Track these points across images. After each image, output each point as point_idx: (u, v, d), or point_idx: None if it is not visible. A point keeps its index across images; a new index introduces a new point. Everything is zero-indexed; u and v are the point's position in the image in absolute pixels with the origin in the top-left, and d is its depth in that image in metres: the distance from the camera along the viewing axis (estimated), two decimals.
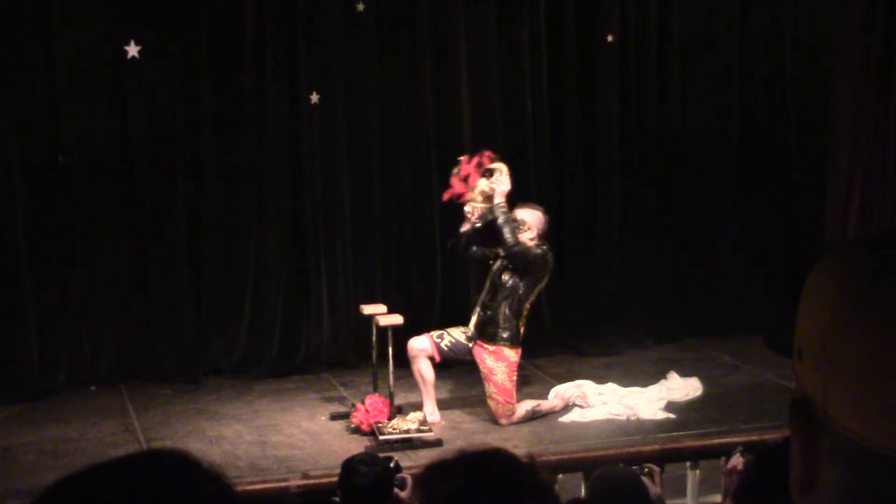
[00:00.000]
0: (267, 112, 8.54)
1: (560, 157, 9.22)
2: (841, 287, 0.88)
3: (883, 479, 0.84)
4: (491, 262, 7.47)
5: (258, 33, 8.47)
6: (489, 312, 7.34)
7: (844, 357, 0.85)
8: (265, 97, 8.53)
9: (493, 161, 7.36)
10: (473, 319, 7.42)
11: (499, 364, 7.31)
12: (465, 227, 7.46)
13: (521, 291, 7.34)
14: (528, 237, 7.33)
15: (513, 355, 7.36)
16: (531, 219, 7.41)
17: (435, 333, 7.45)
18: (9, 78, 7.95)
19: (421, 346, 7.35)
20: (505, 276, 7.33)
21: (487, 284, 7.44)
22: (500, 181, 7.27)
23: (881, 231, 0.91)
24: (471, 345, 7.39)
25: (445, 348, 7.38)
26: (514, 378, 7.39)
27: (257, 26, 8.46)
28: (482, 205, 7.35)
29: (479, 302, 7.45)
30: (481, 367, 7.37)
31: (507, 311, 7.32)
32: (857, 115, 8.08)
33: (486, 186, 7.31)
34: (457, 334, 7.43)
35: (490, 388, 7.33)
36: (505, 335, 7.33)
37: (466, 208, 7.41)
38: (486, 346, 7.35)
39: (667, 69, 9.34)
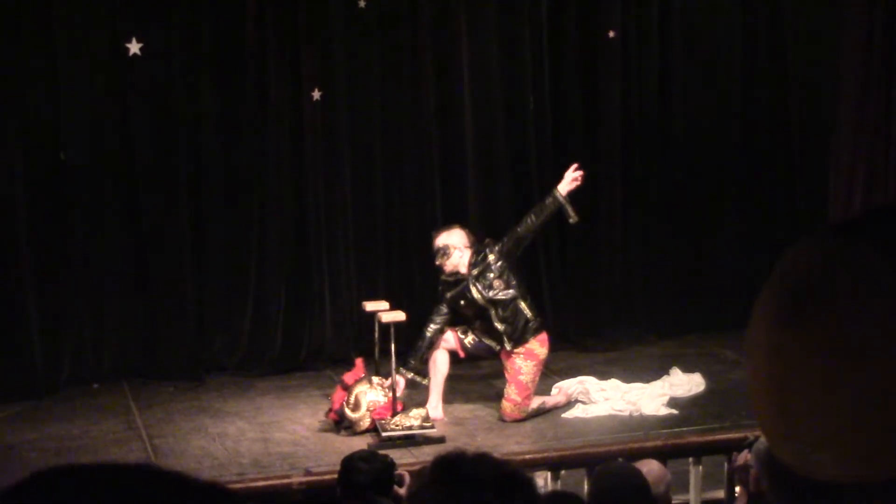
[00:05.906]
0: (269, 108, 8.54)
1: (562, 153, 9.21)
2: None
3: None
4: (479, 300, 7.24)
5: (260, 29, 8.47)
6: (515, 321, 7.24)
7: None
8: (267, 93, 8.52)
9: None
10: (504, 339, 7.24)
11: (527, 363, 7.26)
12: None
13: (516, 281, 7.29)
14: (458, 256, 7.28)
15: (542, 351, 7.31)
16: (452, 238, 7.34)
17: (459, 329, 7.41)
18: (10, 75, 7.94)
19: (443, 336, 7.34)
20: (498, 284, 7.24)
21: (485, 305, 7.24)
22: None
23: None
24: (498, 348, 7.35)
25: (469, 345, 7.37)
26: (538, 378, 7.33)
27: (259, 22, 8.45)
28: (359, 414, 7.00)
29: (498, 321, 7.24)
30: (509, 367, 7.30)
31: (524, 306, 7.28)
32: (860, 108, 8.06)
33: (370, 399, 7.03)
34: (480, 336, 7.39)
35: (510, 390, 7.26)
36: (534, 326, 7.29)
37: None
38: (516, 350, 7.27)
39: (668, 65, 9.33)
